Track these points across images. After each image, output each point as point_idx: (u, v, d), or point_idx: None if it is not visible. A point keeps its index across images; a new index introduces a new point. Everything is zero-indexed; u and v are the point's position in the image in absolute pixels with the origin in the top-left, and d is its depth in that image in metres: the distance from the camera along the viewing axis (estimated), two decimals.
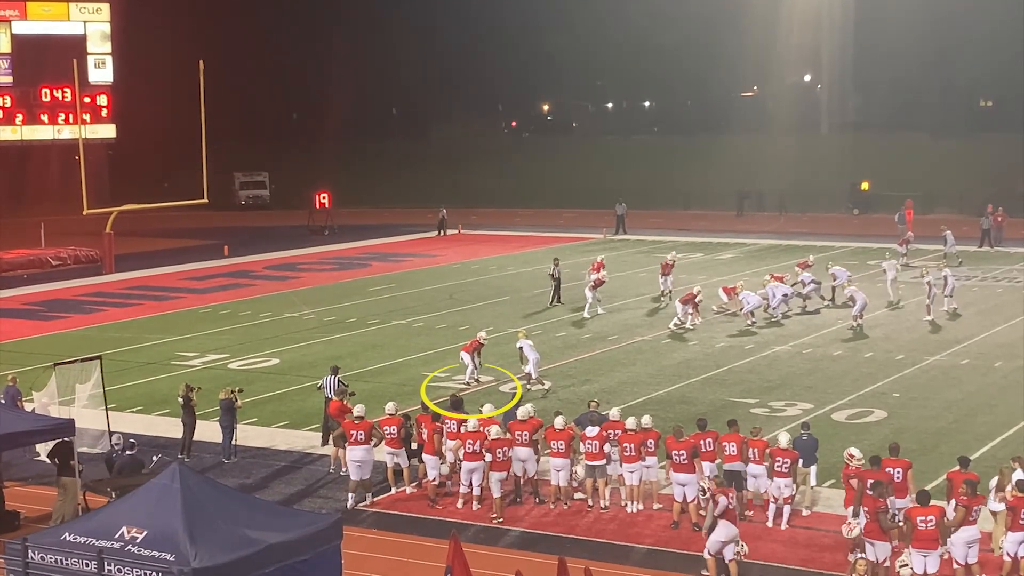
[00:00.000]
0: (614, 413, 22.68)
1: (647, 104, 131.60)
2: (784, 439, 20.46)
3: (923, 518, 16.96)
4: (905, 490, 19.00)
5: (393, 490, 22.69)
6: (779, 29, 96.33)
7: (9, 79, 74.09)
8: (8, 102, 74.14)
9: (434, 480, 22.18)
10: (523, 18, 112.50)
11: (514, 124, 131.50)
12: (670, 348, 35.52)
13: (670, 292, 43.50)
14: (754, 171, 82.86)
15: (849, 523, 17.94)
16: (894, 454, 19.71)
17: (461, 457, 21.81)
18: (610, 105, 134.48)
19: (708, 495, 18.13)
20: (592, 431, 21.50)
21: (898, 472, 19.17)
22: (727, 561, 17.75)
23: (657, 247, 59.60)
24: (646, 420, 21.71)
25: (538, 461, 22.02)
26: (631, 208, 68.43)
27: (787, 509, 20.29)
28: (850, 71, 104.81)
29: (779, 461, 20.14)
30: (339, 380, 25.96)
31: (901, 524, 17.58)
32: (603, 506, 21.51)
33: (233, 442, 24.95)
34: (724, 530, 17.76)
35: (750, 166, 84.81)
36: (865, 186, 77.63)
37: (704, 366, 32.86)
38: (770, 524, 20.28)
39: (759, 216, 75.33)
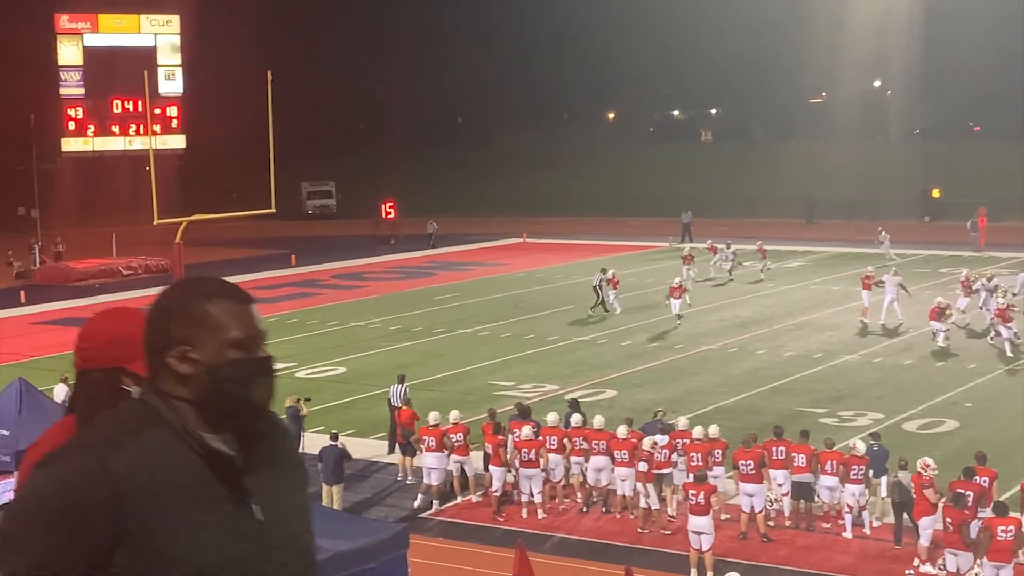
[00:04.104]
0: (683, 422, 22.55)
1: (713, 111, 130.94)
2: (862, 446, 20.26)
3: (1003, 528, 16.72)
4: (989, 500, 18.73)
5: (459, 499, 22.71)
6: (846, 35, 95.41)
7: (81, 91, 75.23)
8: (80, 114, 75.28)
9: (496, 491, 22.17)
10: (589, 26, 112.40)
11: (581, 132, 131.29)
12: (737, 357, 35.25)
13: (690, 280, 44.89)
14: (822, 178, 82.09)
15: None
16: (981, 463, 19.40)
17: (519, 465, 21.86)
18: (676, 113, 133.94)
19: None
20: (662, 439, 21.40)
21: (984, 482, 18.90)
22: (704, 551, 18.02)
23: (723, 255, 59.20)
24: (713, 430, 21.57)
25: (613, 470, 21.84)
26: (697, 216, 68.06)
27: (866, 515, 20.08)
28: (918, 76, 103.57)
29: (854, 469, 19.92)
30: (405, 389, 26.03)
31: (980, 536, 17.33)
32: (670, 515, 21.38)
33: (300, 450, 25.08)
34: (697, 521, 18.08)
35: (818, 173, 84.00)
36: (936, 193, 76.65)
37: (772, 375, 32.58)
38: (848, 535, 20.01)
39: (828, 224, 74.59)
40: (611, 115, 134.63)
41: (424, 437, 22.42)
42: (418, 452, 23.39)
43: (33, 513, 2.68)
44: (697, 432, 21.53)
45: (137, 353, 3.06)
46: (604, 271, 44.06)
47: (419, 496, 22.36)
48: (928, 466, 18.85)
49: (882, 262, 49.72)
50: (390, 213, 73.38)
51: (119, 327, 3.52)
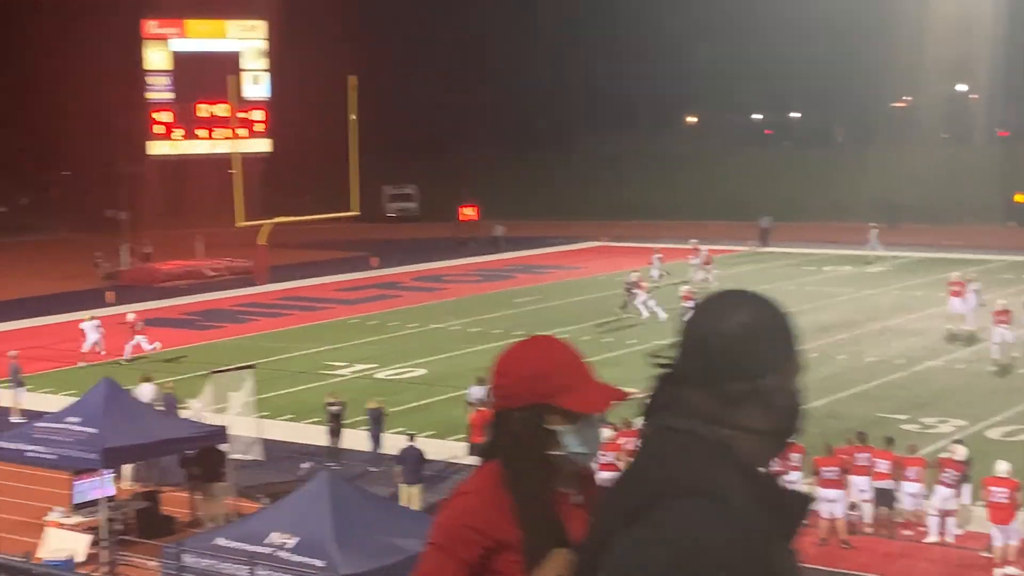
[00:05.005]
0: None
1: (794, 115, 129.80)
2: (963, 451, 20.03)
3: None
4: None
5: None
6: (930, 38, 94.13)
7: (168, 95, 76.44)
8: (167, 117, 76.50)
9: None
10: (671, 30, 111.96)
11: (661, 136, 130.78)
12: (817, 362, 34.92)
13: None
14: (905, 182, 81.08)
15: None
16: None
17: None
18: (757, 116, 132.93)
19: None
20: None
21: None
22: None
23: (804, 260, 58.82)
24: None
25: None
26: (779, 220, 67.57)
27: (951, 522, 19.86)
28: (1003, 79, 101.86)
29: (947, 472, 19.70)
30: (484, 391, 26.18)
31: None
32: None
33: (380, 451, 25.33)
34: None
35: (901, 177, 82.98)
36: (1020, 198, 75.40)
37: (853, 380, 32.28)
38: (934, 538, 19.80)
39: (911, 228, 73.67)
40: (692, 119, 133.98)
41: None
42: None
43: (673, 564, 2.40)
44: None
45: (564, 385, 2.95)
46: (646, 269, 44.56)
47: None
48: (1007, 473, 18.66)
49: (962, 269, 49.07)
50: (470, 216, 73.66)
51: (540, 358, 3.11)
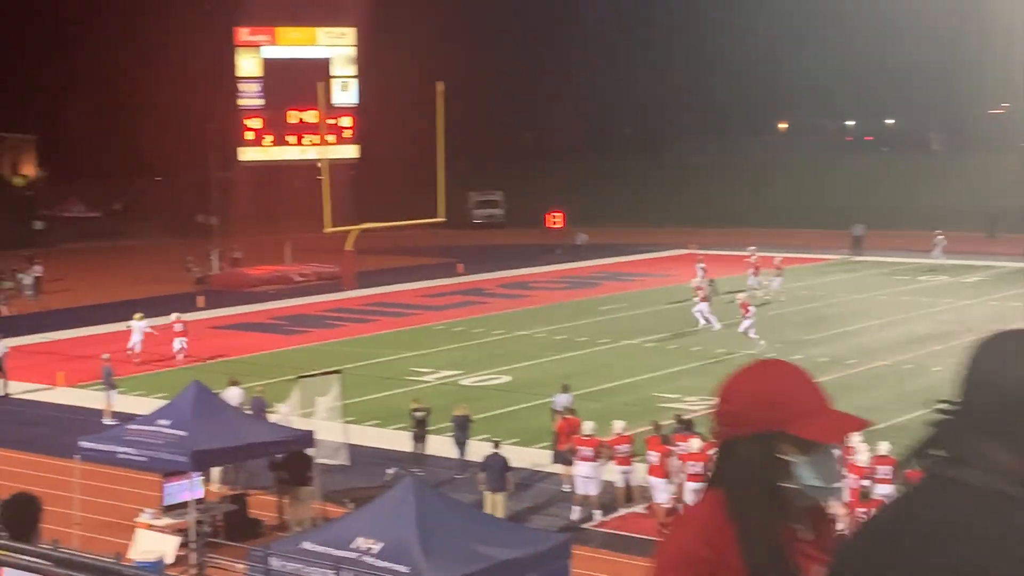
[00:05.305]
0: (853, 439, 22.04)
1: (888, 122, 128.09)
2: None
3: None
4: None
5: (621, 511, 22.59)
6: None
7: (259, 102, 77.32)
8: (258, 124, 77.36)
9: (665, 503, 22.00)
10: (760, 35, 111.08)
11: (752, 143, 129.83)
12: (912, 374, 34.34)
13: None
14: (1002, 190, 79.53)
15: None
16: None
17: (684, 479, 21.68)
18: (850, 123, 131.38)
19: None
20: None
21: None
22: None
23: (898, 269, 57.92)
24: (884, 447, 21.04)
25: None
26: (872, 228, 66.63)
27: None
28: None
29: None
30: (569, 399, 26.05)
31: None
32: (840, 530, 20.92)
33: (465, 458, 25.29)
34: None
35: (999, 186, 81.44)
36: None
37: (949, 393, 31.53)
38: None
39: (1010, 237, 72.15)
40: (783, 126, 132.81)
41: (579, 447, 22.40)
42: (570, 466, 23.38)
43: None
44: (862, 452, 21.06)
45: (800, 412, 2.76)
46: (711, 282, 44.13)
47: (575, 509, 22.26)
48: None
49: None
50: (556, 223, 73.55)
51: (775, 383, 2.85)
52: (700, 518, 2.87)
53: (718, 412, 2.90)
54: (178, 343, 38.52)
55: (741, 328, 39.07)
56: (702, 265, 51.44)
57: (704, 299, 42.66)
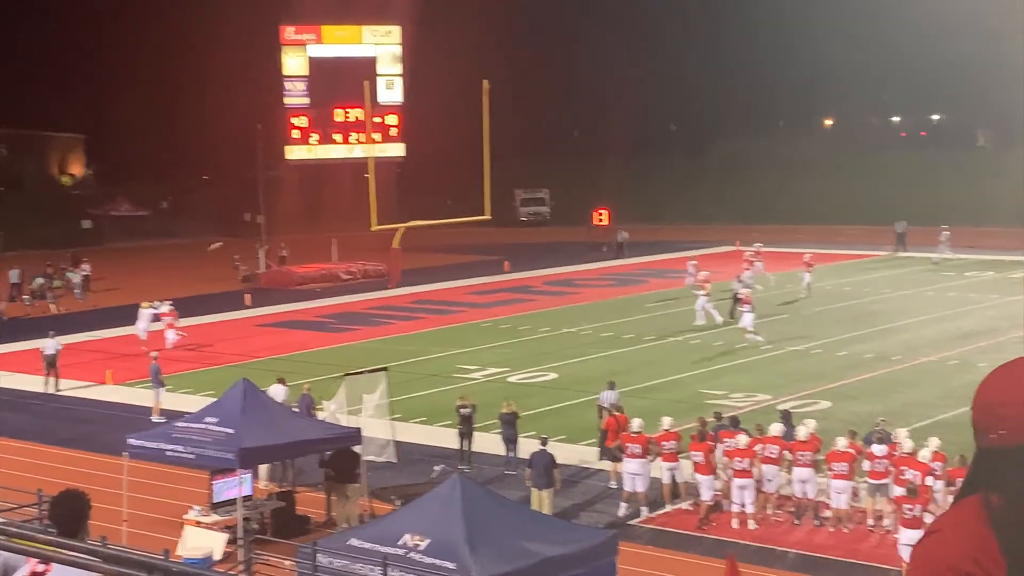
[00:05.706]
0: (901, 435, 21.95)
1: (935, 118, 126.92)
2: None
3: None
4: None
5: (668, 507, 22.59)
6: None
7: (305, 100, 77.65)
8: (304, 122, 77.70)
9: (708, 500, 21.97)
10: (806, 32, 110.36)
11: (798, 139, 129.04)
12: (958, 370, 34.08)
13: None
14: None
15: None
16: None
17: (731, 475, 21.68)
18: (896, 119, 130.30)
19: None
20: (879, 449, 20.90)
21: None
22: None
23: (945, 264, 57.45)
24: (934, 443, 20.93)
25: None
26: (917, 225, 66.12)
27: None
28: None
29: None
30: (616, 396, 26.06)
31: None
32: (886, 527, 20.83)
33: (514, 455, 25.33)
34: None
35: None
36: None
37: None
38: None
39: None
40: (828, 122, 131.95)
41: (627, 444, 22.44)
42: (618, 462, 23.43)
43: None
44: (907, 446, 20.95)
45: None
46: (738, 278, 43.89)
47: (622, 506, 22.31)
48: None
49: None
50: (602, 220, 73.49)
51: None
52: (955, 524, 2.68)
53: (994, 416, 2.67)
54: (172, 335, 39.48)
55: (741, 323, 39.10)
56: (694, 263, 51.93)
57: (707, 295, 42.61)
